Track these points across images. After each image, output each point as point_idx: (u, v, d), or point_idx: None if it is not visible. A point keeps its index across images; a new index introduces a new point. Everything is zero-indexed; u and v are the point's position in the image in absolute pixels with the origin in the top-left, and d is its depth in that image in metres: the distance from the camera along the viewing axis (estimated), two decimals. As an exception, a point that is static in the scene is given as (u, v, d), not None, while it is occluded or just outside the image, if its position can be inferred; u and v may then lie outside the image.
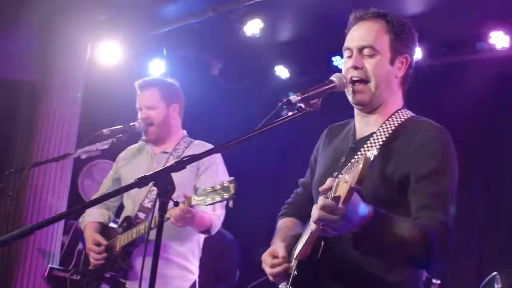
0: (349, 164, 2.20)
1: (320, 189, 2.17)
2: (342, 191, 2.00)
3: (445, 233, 2.24)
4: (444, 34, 6.70)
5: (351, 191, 1.97)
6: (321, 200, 2.08)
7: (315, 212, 2.08)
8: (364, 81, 2.48)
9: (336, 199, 2.01)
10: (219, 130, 7.80)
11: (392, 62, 2.50)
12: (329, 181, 2.13)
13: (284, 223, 2.74)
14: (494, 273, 4.81)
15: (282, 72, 8.10)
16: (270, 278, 2.51)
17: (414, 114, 2.57)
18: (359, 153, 2.46)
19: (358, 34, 2.54)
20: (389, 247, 2.18)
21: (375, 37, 2.50)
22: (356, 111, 2.61)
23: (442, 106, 6.54)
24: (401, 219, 2.22)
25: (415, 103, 2.65)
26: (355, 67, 2.49)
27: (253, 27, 6.55)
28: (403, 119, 2.51)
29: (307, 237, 2.35)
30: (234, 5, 6.25)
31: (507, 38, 6.40)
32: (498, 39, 6.42)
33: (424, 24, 6.35)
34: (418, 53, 6.79)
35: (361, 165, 1.91)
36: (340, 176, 2.08)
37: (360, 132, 2.58)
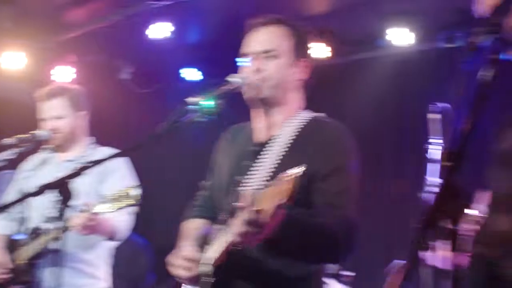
0: (275, 178, 2.22)
1: (242, 202, 2.17)
2: (267, 206, 2.04)
3: (350, 228, 2.33)
4: (346, 32, 6.90)
5: (278, 206, 2.01)
6: (246, 214, 2.10)
7: (239, 226, 2.12)
8: (265, 82, 2.53)
9: (260, 212, 2.05)
10: (130, 135, 7.75)
11: (292, 65, 2.57)
12: (249, 193, 2.19)
13: (192, 225, 2.74)
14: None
15: (192, 74, 8.12)
16: (184, 281, 2.52)
17: (316, 114, 2.64)
18: (261, 155, 2.51)
19: (261, 38, 2.60)
20: (298, 248, 2.25)
21: (277, 41, 2.57)
22: (254, 114, 2.65)
23: (346, 103, 6.76)
24: (308, 219, 2.30)
25: (319, 102, 2.72)
26: (257, 70, 2.54)
27: (162, 30, 6.54)
28: (305, 120, 2.57)
29: (225, 246, 2.35)
30: (141, 8, 6.22)
31: (410, 34, 6.62)
32: (397, 36, 6.66)
33: (327, 22, 6.59)
34: (322, 52, 6.97)
35: (289, 183, 1.96)
36: (263, 188, 2.15)
37: (262, 134, 2.62)
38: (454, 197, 1.19)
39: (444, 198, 1.18)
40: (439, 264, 1.21)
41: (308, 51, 2.68)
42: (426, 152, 1.36)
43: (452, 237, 1.18)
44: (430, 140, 4.29)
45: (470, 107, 1.29)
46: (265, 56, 2.55)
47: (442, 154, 1.23)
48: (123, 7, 6.30)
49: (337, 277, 4.82)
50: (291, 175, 1.98)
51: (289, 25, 2.62)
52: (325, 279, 2.62)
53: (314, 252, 2.32)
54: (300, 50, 2.60)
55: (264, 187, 2.15)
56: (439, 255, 1.19)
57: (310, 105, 2.70)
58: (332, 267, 4.57)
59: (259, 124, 2.64)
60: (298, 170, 1.99)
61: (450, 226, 1.18)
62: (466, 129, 1.25)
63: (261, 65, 2.54)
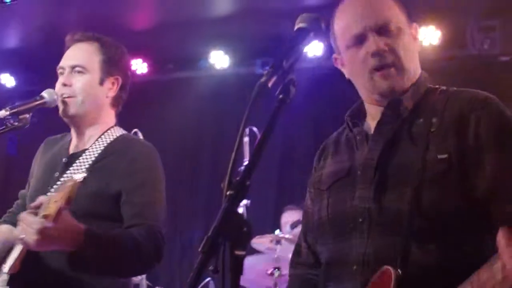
0: (60, 183, 2.27)
1: (31, 205, 2.23)
2: (51, 210, 2.07)
3: (156, 240, 2.40)
4: (170, 51, 7.00)
5: (60, 211, 2.05)
6: (29, 218, 2.13)
7: (24, 228, 2.13)
8: (72, 97, 2.57)
9: (46, 217, 2.07)
10: None
11: (101, 82, 2.62)
12: (40, 199, 2.20)
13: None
14: (208, 279, 5.06)
15: (7, 80, 7.75)
16: None
17: (125, 132, 2.71)
18: (71, 168, 2.53)
19: (71, 54, 2.64)
20: (104, 263, 2.28)
21: (86, 57, 2.62)
22: (71, 127, 2.68)
23: (166, 120, 6.85)
24: (113, 233, 2.34)
25: (141, 117, 2.77)
26: (64, 84, 2.57)
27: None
28: (114, 137, 2.62)
29: (18, 252, 2.36)
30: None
31: (226, 58, 6.90)
32: (218, 59, 6.89)
33: (151, 39, 6.65)
34: (143, 68, 7.03)
35: (69, 188, 2.01)
36: (50, 194, 2.15)
37: (74, 147, 2.65)
38: (235, 224, 1.22)
39: (224, 225, 1.21)
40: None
41: (122, 68, 2.72)
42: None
43: (234, 263, 1.21)
44: (244, 162, 4.49)
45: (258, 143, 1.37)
46: (72, 72, 2.59)
47: (225, 182, 1.27)
48: None
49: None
50: (70, 181, 2.03)
51: (100, 41, 2.66)
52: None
53: (118, 264, 2.35)
54: (110, 67, 2.64)
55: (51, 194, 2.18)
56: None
57: (129, 120, 2.76)
58: (138, 279, 4.58)
59: (73, 138, 2.67)
60: (78, 177, 2.04)
61: (234, 252, 1.22)
62: (251, 161, 1.32)
63: (68, 81, 2.57)
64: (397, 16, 1.96)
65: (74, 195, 2.03)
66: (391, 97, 1.93)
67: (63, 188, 2.07)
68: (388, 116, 1.94)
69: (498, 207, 1.75)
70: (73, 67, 2.59)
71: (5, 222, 2.75)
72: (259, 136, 1.39)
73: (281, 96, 1.43)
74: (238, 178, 1.27)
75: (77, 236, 2.18)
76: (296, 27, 1.60)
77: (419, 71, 2.02)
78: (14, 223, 2.73)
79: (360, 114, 2.05)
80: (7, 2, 5.20)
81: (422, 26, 5.69)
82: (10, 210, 2.84)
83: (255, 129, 4.24)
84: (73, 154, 2.61)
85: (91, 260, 2.23)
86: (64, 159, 2.61)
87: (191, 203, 7.03)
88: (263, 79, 1.43)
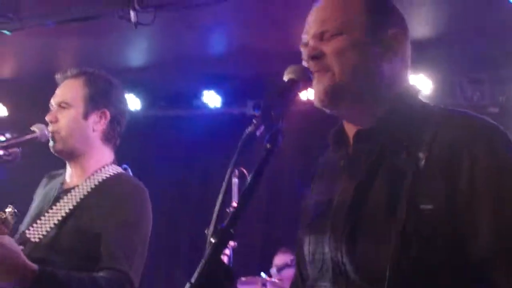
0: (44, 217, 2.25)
1: None
2: None
3: (125, 285, 2.34)
4: (162, 88, 7.06)
5: None
6: None
7: None
8: (58, 132, 2.57)
9: None
10: None
11: (85, 116, 2.61)
12: None
13: None
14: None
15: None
16: None
17: (121, 171, 2.67)
18: (58, 204, 2.51)
19: (59, 92, 2.67)
20: None
21: (70, 92, 2.63)
22: (66, 161, 2.68)
23: (157, 156, 6.87)
24: (74, 276, 2.27)
25: (131, 152, 2.74)
26: (50, 121, 2.59)
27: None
28: (107, 176, 2.60)
29: None
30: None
31: (218, 98, 6.97)
32: (210, 98, 6.96)
33: (144, 76, 6.70)
34: (137, 104, 7.08)
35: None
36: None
37: (68, 183, 2.65)
38: (218, 271, 1.20)
39: (207, 274, 1.18)
40: None
41: (111, 101, 2.68)
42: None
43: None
44: (232, 204, 4.48)
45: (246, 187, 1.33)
46: (58, 108, 2.61)
47: (210, 228, 1.24)
48: None
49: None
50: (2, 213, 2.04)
51: (86, 75, 2.67)
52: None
53: None
54: (96, 100, 2.63)
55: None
56: None
57: (118, 155, 2.73)
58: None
59: (67, 173, 2.67)
60: (9, 210, 2.05)
61: None
62: (237, 209, 1.29)
63: (53, 117, 2.59)
64: None
65: (8, 227, 2.05)
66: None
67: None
68: (358, 151, 1.68)
69: (505, 278, 1.46)
70: (59, 104, 2.62)
71: None
72: (248, 178, 1.36)
73: (268, 145, 1.40)
74: (223, 225, 1.25)
75: (23, 272, 2.14)
76: (285, 78, 1.61)
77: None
78: None
79: (343, 134, 1.76)
80: (7, 33, 5.26)
81: (412, 75, 5.78)
82: None
83: (245, 170, 4.24)
84: (65, 189, 2.60)
85: None
86: (55, 194, 2.61)
87: (177, 240, 7.03)
88: (251, 128, 1.42)
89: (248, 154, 1.42)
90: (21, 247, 2.24)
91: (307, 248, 1.73)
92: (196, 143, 7.03)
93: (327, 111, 1.72)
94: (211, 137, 6.97)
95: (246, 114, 6.79)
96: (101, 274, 2.32)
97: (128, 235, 2.45)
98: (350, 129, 1.73)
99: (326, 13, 1.70)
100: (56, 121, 2.58)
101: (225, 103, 6.99)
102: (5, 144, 2.43)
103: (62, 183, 2.66)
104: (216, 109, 7.03)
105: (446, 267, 1.48)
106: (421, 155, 1.52)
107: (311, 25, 1.72)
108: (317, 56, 1.66)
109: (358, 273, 1.55)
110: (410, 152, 1.54)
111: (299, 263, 1.87)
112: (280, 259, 5.52)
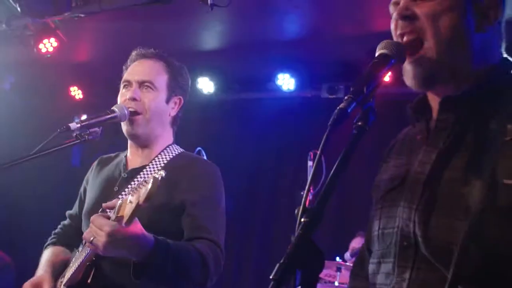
0: (132, 187, 2.23)
1: (103, 205, 2.20)
2: (125, 211, 2.01)
3: (217, 253, 2.38)
4: (237, 72, 7.06)
5: (136, 209, 1.97)
6: (100, 220, 2.10)
7: (94, 230, 2.10)
8: (139, 113, 2.55)
9: (119, 219, 2.03)
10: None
11: (167, 101, 2.62)
12: (113, 201, 2.16)
13: (50, 252, 2.70)
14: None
15: (75, 92, 8.02)
16: None
17: (183, 150, 2.70)
18: (132, 183, 2.51)
19: (139, 69, 2.62)
20: (170, 274, 2.23)
21: (155, 74, 2.61)
22: (129, 144, 2.68)
23: (230, 139, 6.90)
24: (181, 245, 2.31)
25: (204, 135, 2.75)
26: (133, 99, 2.55)
27: (48, 45, 6.40)
28: (174, 154, 2.63)
29: (78, 263, 2.36)
30: (27, 20, 6.05)
31: (292, 80, 6.91)
32: (284, 81, 6.91)
33: (218, 59, 6.72)
34: (210, 87, 7.11)
35: (150, 185, 1.93)
36: (123, 197, 2.11)
37: (132, 164, 2.64)
38: (309, 253, 1.17)
39: (298, 253, 1.16)
40: None
41: (185, 88, 2.72)
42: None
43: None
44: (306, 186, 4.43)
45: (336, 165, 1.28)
46: (140, 87, 2.58)
47: (299, 209, 1.20)
48: (9, 17, 6.10)
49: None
50: (150, 178, 1.96)
51: (166, 60, 2.66)
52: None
53: (184, 274, 2.30)
54: (175, 86, 2.65)
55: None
56: None
57: (192, 137, 2.74)
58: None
59: (131, 155, 2.67)
60: (157, 175, 1.98)
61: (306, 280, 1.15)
62: (327, 189, 1.25)
63: (136, 95, 2.56)
64: None
65: (155, 192, 1.94)
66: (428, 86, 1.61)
67: (140, 189, 1.99)
68: (443, 121, 1.58)
69: None
70: (141, 83, 2.59)
71: (56, 244, 2.76)
72: (339, 157, 1.29)
73: (360, 123, 1.34)
74: (314, 205, 1.21)
75: (145, 245, 2.14)
76: (377, 53, 1.53)
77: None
78: (64, 244, 2.75)
79: (425, 105, 1.67)
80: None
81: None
82: (56, 231, 2.83)
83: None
84: (132, 169, 2.61)
85: (156, 268, 2.19)
86: (124, 175, 2.60)
87: (250, 222, 7.06)
88: (342, 105, 1.36)
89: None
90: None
91: (377, 223, 1.66)
92: (269, 126, 6.99)
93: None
94: (284, 120, 6.93)
95: (320, 97, 6.72)
96: (195, 243, 2.35)
97: (212, 209, 2.49)
98: (434, 100, 1.63)
99: None
100: (139, 99, 2.57)
101: (299, 86, 6.94)
102: (86, 123, 2.43)
103: (126, 164, 2.66)
104: (290, 92, 6.98)
105: None
106: (509, 127, 1.39)
107: None
108: (409, 16, 1.55)
109: (428, 247, 1.46)
110: (499, 124, 1.43)
111: (368, 241, 1.81)
112: (355, 242, 5.50)
